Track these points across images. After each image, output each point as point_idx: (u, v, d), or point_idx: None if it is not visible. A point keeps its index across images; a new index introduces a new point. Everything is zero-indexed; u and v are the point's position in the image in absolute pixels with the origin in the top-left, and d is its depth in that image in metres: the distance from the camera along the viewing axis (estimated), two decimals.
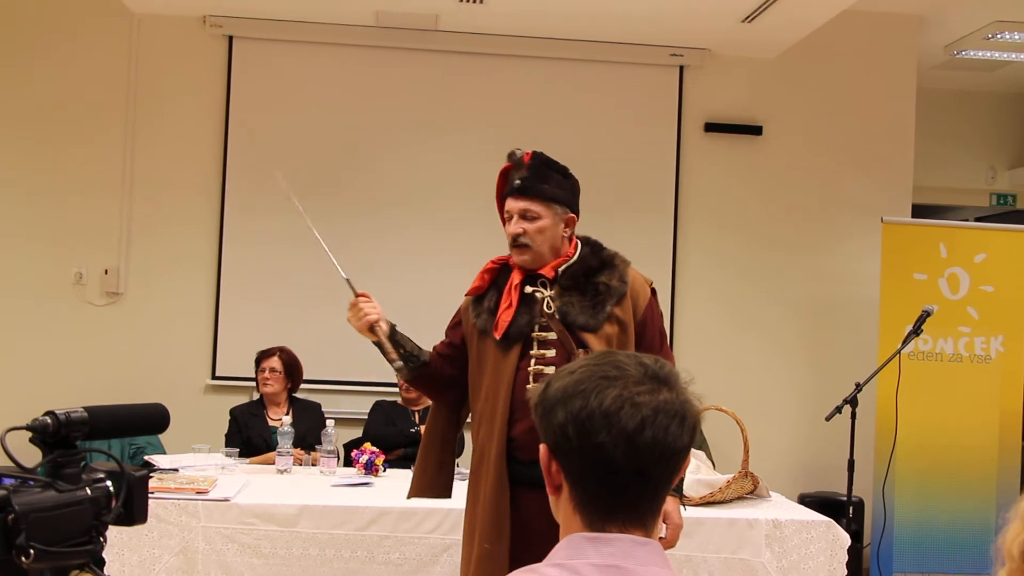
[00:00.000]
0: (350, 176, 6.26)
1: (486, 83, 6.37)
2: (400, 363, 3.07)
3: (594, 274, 3.01)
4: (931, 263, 5.94)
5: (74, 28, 6.16)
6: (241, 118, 6.20)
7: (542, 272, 3.02)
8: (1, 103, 6.10)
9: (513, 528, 2.90)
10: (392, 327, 3.11)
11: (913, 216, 6.53)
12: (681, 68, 6.49)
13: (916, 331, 5.15)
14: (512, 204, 3.02)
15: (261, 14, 6.10)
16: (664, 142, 6.47)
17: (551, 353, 2.94)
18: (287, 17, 6.10)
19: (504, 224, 3.09)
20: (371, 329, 3.08)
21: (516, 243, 3.00)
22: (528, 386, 2.91)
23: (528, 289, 3.01)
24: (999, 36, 6.35)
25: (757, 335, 6.48)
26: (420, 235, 6.26)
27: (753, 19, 5.74)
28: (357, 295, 3.14)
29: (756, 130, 6.53)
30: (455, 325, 3.20)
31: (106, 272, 6.12)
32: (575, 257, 3.04)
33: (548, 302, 2.98)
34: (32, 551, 1.21)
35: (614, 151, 6.36)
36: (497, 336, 2.99)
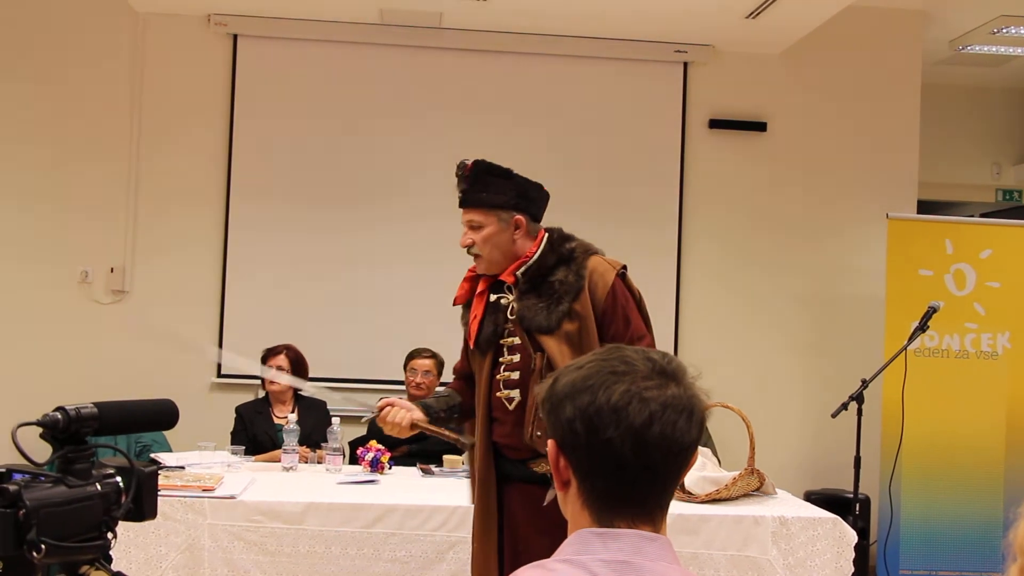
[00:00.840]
0: (354, 173, 6.26)
1: (490, 80, 6.37)
2: (462, 440, 3.11)
3: (550, 272, 3.01)
4: (937, 259, 5.93)
5: (79, 27, 6.17)
6: (246, 116, 6.21)
7: (503, 278, 3.05)
8: (6, 103, 6.11)
9: (504, 524, 2.98)
10: (426, 409, 3.10)
11: (919, 212, 6.52)
12: (685, 64, 6.48)
13: (922, 327, 5.14)
14: (462, 215, 3.08)
15: (265, 12, 6.10)
16: (669, 138, 6.46)
17: (517, 358, 2.98)
18: (291, 15, 6.11)
19: None
20: (413, 425, 3.06)
21: (469, 253, 3.07)
22: (498, 393, 3.00)
23: (493, 297, 3.07)
24: (1004, 31, 6.33)
25: (762, 331, 6.47)
26: (424, 232, 6.25)
27: (757, 15, 5.74)
28: (380, 411, 3.08)
29: (761, 126, 6.52)
30: (464, 347, 3.25)
31: (112, 271, 6.13)
32: (534, 257, 3.04)
33: (513, 307, 3.01)
34: (43, 546, 1.21)
35: (619, 148, 6.36)
36: (471, 345, 3.09)
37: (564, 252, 3.04)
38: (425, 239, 6.24)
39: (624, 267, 3.06)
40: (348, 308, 6.21)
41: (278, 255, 6.19)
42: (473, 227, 3.04)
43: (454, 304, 3.22)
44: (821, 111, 6.58)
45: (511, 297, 3.03)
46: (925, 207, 6.78)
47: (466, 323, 3.13)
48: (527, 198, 3.08)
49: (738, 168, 6.53)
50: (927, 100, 6.70)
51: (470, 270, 3.18)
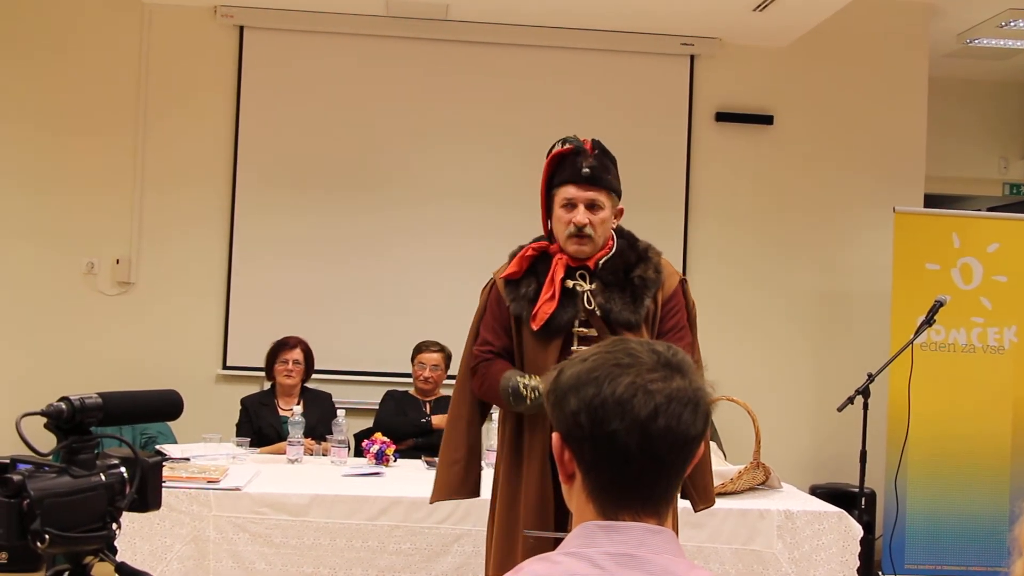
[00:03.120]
0: (359, 164, 6.26)
1: (496, 72, 6.36)
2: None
3: (632, 268, 2.98)
4: (943, 253, 5.92)
5: (85, 19, 6.17)
6: (252, 108, 6.21)
7: (585, 264, 2.98)
8: (13, 94, 6.11)
9: (557, 517, 2.90)
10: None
11: (925, 206, 6.50)
12: (692, 57, 6.47)
13: (929, 321, 5.13)
14: (577, 192, 2.93)
15: (271, 4, 6.09)
16: (675, 131, 6.45)
17: None
18: (297, 7, 6.10)
19: (548, 210, 3.02)
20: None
21: (580, 233, 2.92)
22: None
23: (569, 283, 2.96)
24: (1012, 24, 6.30)
25: (768, 326, 6.46)
26: (430, 224, 6.26)
27: (764, 7, 5.72)
28: None
29: (767, 119, 6.50)
30: (502, 322, 3.07)
31: (117, 262, 6.13)
32: (614, 250, 3.01)
33: (588, 297, 2.95)
34: (47, 536, 1.22)
35: (625, 140, 6.26)
36: (535, 327, 2.94)
37: (640, 249, 3.03)
38: (429, 229, 6.24)
39: (685, 277, 3.11)
40: (354, 300, 6.22)
41: (283, 246, 6.19)
42: (593, 207, 2.92)
43: (501, 277, 3.07)
44: (828, 104, 6.56)
45: (586, 286, 2.96)
46: (932, 201, 6.75)
47: (518, 300, 3.00)
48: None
49: (744, 161, 6.51)
50: (934, 93, 6.68)
51: (531, 248, 3.05)
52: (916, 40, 6.56)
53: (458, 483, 3.14)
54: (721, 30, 6.31)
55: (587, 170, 2.91)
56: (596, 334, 2.92)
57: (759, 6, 5.71)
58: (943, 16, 6.47)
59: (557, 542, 2.78)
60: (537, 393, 2.86)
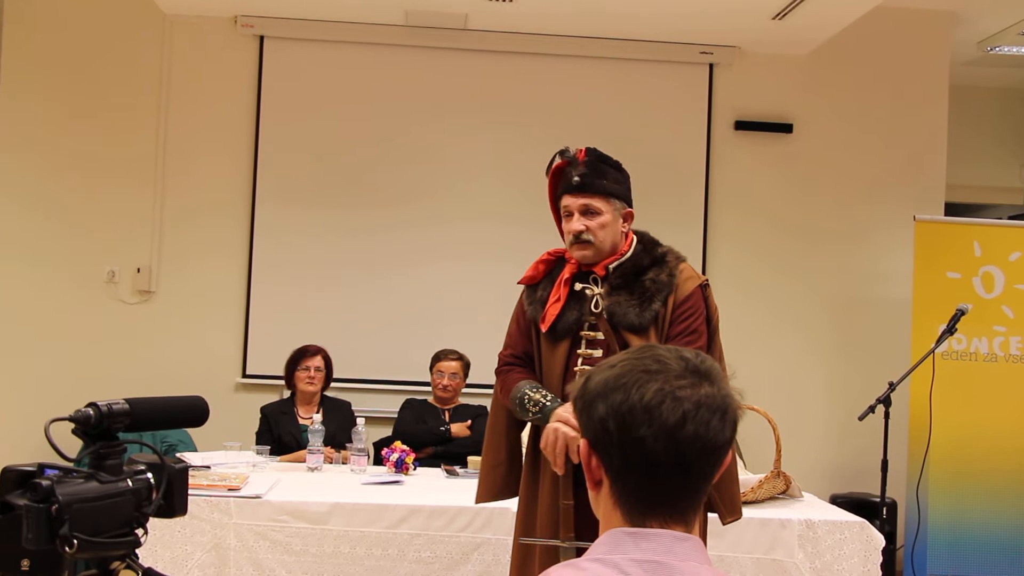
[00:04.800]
0: (379, 174, 6.27)
1: (515, 82, 6.37)
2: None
3: (644, 272, 3.00)
4: (965, 262, 5.88)
5: (107, 28, 6.21)
6: (272, 117, 6.23)
7: (596, 269, 3.02)
8: (34, 105, 6.16)
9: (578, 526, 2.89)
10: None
11: (946, 214, 6.47)
12: (711, 66, 6.46)
13: (950, 330, 5.10)
14: (571, 201, 2.99)
15: (292, 14, 6.12)
16: (694, 140, 6.45)
17: (598, 353, 2.93)
18: (317, 17, 6.13)
19: (559, 222, 3.08)
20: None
21: (579, 239, 2.98)
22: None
23: (578, 286, 3.01)
24: None
25: (789, 334, 6.44)
26: (450, 233, 6.27)
27: (784, 16, 5.71)
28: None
29: (787, 128, 6.49)
30: (524, 327, 3.14)
31: (138, 271, 6.16)
32: (628, 254, 3.03)
33: (597, 300, 2.98)
34: (76, 541, 1.22)
35: (644, 149, 6.33)
36: (543, 328, 3.01)
37: (657, 255, 3.05)
38: (450, 241, 6.25)
39: (707, 281, 3.09)
40: (373, 309, 6.23)
41: (303, 255, 6.21)
42: (588, 213, 2.97)
43: (520, 283, 3.16)
44: (848, 113, 6.54)
45: (596, 290, 3.00)
46: (953, 209, 6.72)
47: (533, 304, 3.07)
48: (630, 193, 3.09)
49: (764, 170, 6.50)
50: (955, 101, 6.65)
51: (548, 253, 3.13)
52: (937, 48, 6.54)
53: (502, 484, 3.19)
54: (740, 39, 6.30)
55: (577, 179, 2.98)
56: (602, 337, 2.95)
57: (778, 15, 5.70)
58: (964, 24, 6.44)
59: (571, 550, 2.78)
60: (539, 407, 2.92)
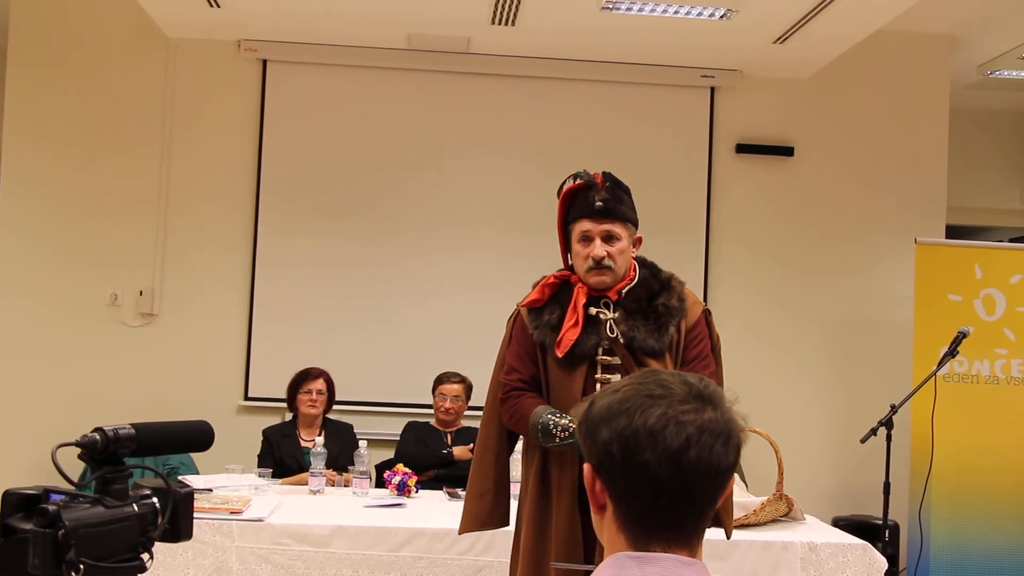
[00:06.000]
0: (382, 197, 6.29)
1: (517, 105, 6.40)
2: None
3: (655, 296, 3.01)
4: (966, 284, 5.89)
5: (111, 52, 6.24)
6: (275, 140, 6.26)
7: (609, 294, 3.02)
8: (39, 125, 6.18)
9: (586, 550, 2.89)
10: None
11: (947, 237, 6.48)
12: (712, 89, 6.49)
13: (952, 353, 5.11)
14: (592, 226, 2.98)
15: (295, 38, 6.15)
16: (695, 163, 6.46)
17: (616, 378, 2.91)
18: (320, 41, 6.16)
19: (567, 246, 3.08)
20: None
21: (600, 265, 2.97)
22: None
23: (592, 311, 3.00)
24: None
25: (790, 356, 6.44)
26: (451, 256, 6.28)
27: (785, 40, 5.74)
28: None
29: (788, 151, 6.51)
30: (528, 350, 3.09)
31: (141, 293, 6.17)
32: (636, 279, 3.04)
33: (611, 325, 2.98)
34: (82, 566, 1.22)
35: (645, 172, 6.34)
36: (559, 353, 2.97)
37: (663, 279, 3.07)
38: (451, 263, 6.26)
39: (708, 308, 3.14)
40: (375, 332, 6.23)
41: (305, 279, 6.22)
42: (609, 239, 2.97)
43: (523, 306, 3.11)
44: (849, 136, 6.56)
45: (610, 314, 2.99)
46: (954, 232, 6.73)
47: (540, 328, 3.03)
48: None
49: (765, 193, 6.51)
50: (955, 124, 6.68)
51: (553, 276, 3.10)
52: (937, 71, 6.56)
53: (487, 514, 3.15)
54: (741, 62, 6.33)
55: (600, 203, 2.97)
56: (620, 362, 2.94)
57: (779, 38, 5.73)
58: (964, 47, 6.48)
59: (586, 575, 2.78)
60: (568, 433, 2.87)
